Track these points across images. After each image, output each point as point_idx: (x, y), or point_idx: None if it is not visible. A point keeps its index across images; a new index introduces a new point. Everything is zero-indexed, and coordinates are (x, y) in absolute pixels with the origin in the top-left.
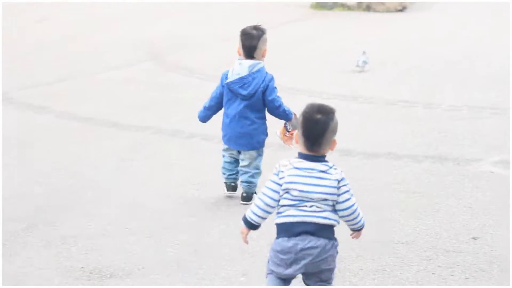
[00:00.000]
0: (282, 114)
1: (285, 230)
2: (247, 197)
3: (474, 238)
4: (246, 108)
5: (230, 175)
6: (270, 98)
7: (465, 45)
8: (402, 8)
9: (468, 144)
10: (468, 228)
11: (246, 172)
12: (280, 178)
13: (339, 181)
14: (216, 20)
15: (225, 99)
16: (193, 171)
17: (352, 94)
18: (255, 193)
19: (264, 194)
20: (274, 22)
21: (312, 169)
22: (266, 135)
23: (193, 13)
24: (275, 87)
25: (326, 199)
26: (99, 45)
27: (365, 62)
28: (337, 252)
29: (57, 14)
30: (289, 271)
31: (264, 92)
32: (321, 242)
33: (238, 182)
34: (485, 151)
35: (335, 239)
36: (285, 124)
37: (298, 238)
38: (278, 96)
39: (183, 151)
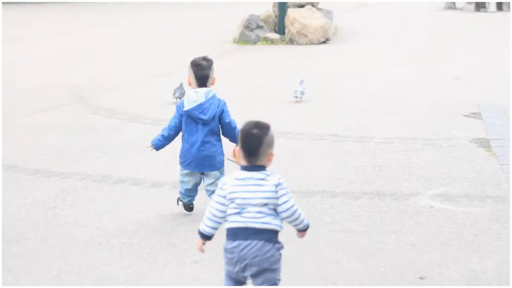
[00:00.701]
0: (235, 135)
1: (231, 234)
2: (191, 208)
3: (421, 278)
4: (207, 132)
5: (189, 200)
6: (227, 120)
7: (391, 75)
8: (325, 40)
9: (404, 178)
10: (414, 267)
11: (208, 191)
12: (224, 190)
13: (276, 186)
14: (141, 61)
15: (184, 127)
16: (124, 219)
17: (281, 129)
18: None
19: (212, 207)
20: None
21: (251, 178)
22: (223, 155)
23: (119, 56)
24: (228, 111)
25: (266, 204)
26: (22, 91)
27: (302, 93)
28: (280, 255)
29: None
30: (236, 269)
31: (220, 116)
32: (261, 243)
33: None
34: (422, 184)
35: (278, 242)
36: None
37: (240, 240)
38: (233, 119)
39: (112, 198)
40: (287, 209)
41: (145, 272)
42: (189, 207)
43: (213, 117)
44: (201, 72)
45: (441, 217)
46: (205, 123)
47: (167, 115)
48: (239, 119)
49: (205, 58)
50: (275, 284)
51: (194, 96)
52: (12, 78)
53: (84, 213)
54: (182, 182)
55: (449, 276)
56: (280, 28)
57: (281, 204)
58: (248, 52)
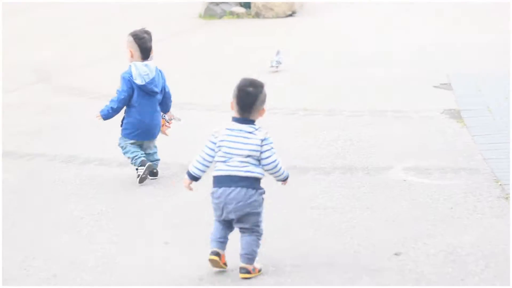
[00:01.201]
0: (170, 103)
1: (217, 181)
2: (156, 173)
3: (396, 254)
4: (157, 103)
5: (143, 155)
6: (167, 90)
7: (357, 47)
8: (292, 13)
9: (376, 152)
10: (388, 243)
11: (153, 154)
12: (215, 138)
13: (262, 140)
14: (108, 36)
15: (137, 100)
16: (91, 200)
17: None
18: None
19: (203, 151)
20: (165, 33)
21: (241, 130)
22: None
23: (84, 31)
24: None
25: (249, 155)
26: None
27: (278, 62)
28: (262, 199)
29: None
30: (223, 214)
31: (163, 86)
32: (244, 189)
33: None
34: (394, 158)
35: (259, 188)
36: (163, 116)
37: (225, 187)
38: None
39: (79, 179)
40: (270, 163)
41: (114, 255)
42: (153, 172)
43: (162, 89)
44: (146, 45)
45: (415, 191)
46: (156, 94)
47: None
48: (208, 97)
49: (145, 31)
50: (258, 226)
51: (146, 70)
52: None
53: (51, 195)
54: (129, 151)
55: (425, 251)
56: (245, 1)
57: (265, 158)
58: (214, 26)
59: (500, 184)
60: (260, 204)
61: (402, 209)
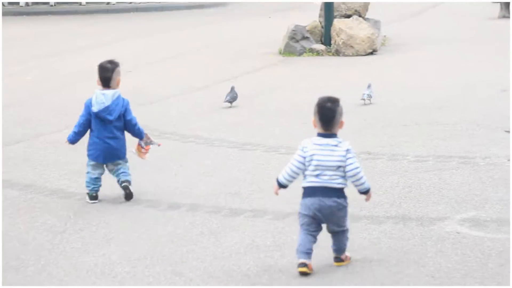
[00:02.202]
0: (137, 132)
1: (311, 191)
2: (129, 182)
3: None
4: (113, 129)
5: (94, 187)
6: (128, 118)
7: (435, 87)
8: (372, 51)
9: (434, 200)
10: None
11: (122, 172)
12: (305, 152)
13: (346, 151)
14: (179, 74)
15: (94, 125)
16: (132, 245)
17: None
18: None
19: (293, 164)
20: (244, 70)
21: (327, 144)
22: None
23: (154, 67)
24: (131, 109)
25: (339, 166)
26: (51, 106)
27: (369, 96)
28: (347, 204)
29: None
30: (314, 213)
31: (123, 114)
32: (339, 201)
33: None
34: (452, 207)
35: (345, 197)
36: (139, 142)
37: (320, 197)
38: (134, 117)
39: (124, 221)
40: (353, 169)
41: None
42: (94, 197)
43: (118, 117)
44: (104, 74)
45: (467, 245)
46: (111, 122)
47: (198, 132)
48: (289, 132)
49: (110, 61)
50: (346, 225)
51: (102, 98)
52: (41, 93)
53: (92, 238)
54: (88, 172)
55: None
56: (326, 39)
57: (348, 165)
58: (293, 63)
59: None
60: (346, 210)
61: (450, 264)
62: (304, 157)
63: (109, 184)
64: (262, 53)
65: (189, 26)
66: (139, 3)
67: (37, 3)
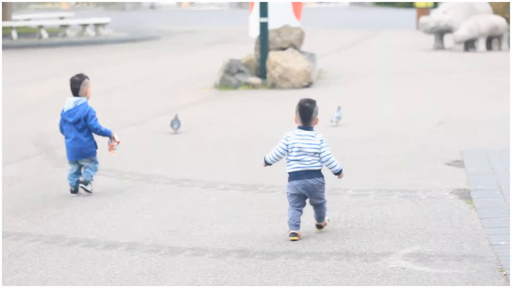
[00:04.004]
0: (100, 133)
1: (296, 175)
2: (85, 183)
3: None
4: (77, 131)
5: (71, 182)
6: (89, 123)
7: (372, 120)
8: (308, 84)
9: (377, 235)
10: None
11: (85, 172)
12: (288, 140)
13: (320, 141)
14: (112, 108)
15: (63, 127)
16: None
17: (251, 183)
18: (90, 182)
19: (277, 149)
20: (180, 104)
21: (306, 135)
22: (96, 147)
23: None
24: (94, 116)
25: (315, 152)
26: None
27: (339, 118)
28: (324, 182)
29: None
30: (300, 192)
31: (85, 119)
32: (319, 180)
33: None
34: (395, 242)
35: (323, 176)
36: (108, 140)
37: (305, 178)
38: (95, 122)
39: (61, 262)
40: (325, 156)
41: None
42: (72, 190)
43: (78, 120)
44: (73, 86)
45: (413, 281)
46: (72, 124)
47: (134, 168)
48: (211, 172)
49: (79, 75)
50: (324, 199)
51: (66, 104)
52: None
53: (28, 279)
54: (68, 169)
55: None
56: (261, 72)
57: (322, 152)
58: (229, 97)
59: (505, 274)
60: (324, 186)
61: None
62: (287, 145)
63: (45, 225)
64: (197, 87)
65: (123, 60)
66: (72, 37)
67: None
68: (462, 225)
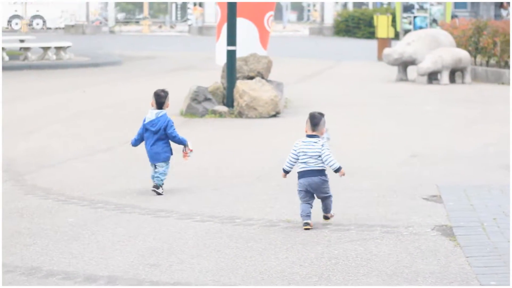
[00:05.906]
0: (177, 141)
1: (303, 174)
2: (157, 187)
3: None
4: (157, 139)
5: (152, 176)
6: (168, 131)
7: (341, 153)
8: (276, 113)
9: (363, 273)
10: None
11: (156, 177)
12: (295, 147)
13: (322, 146)
14: (80, 134)
15: (144, 134)
16: None
17: (228, 215)
18: (161, 185)
19: (289, 157)
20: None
21: (310, 141)
22: (171, 153)
23: (55, 128)
24: (172, 125)
25: (319, 155)
26: None
27: (327, 139)
28: (328, 179)
29: None
30: (306, 188)
31: (165, 128)
32: (322, 178)
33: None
34: (383, 280)
35: (326, 175)
36: (183, 148)
37: (310, 176)
38: (174, 130)
39: None
40: (325, 156)
41: None
42: (155, 186)
43: (159, 129)
44: (158, 100)
45: None
46: (154, 132)
47: (107, 197)
48: (185, 205)
49: (163, 90)
50: (329, 193)
51: (150, 115)
52: None
53: None
54: (151, 170)
55: None
56: (228, 100)
57: (322, 154)
58: (196, 125)
59: None
60: (328, 184)
61: None
62: (296, 151)
63: (20, 255)
64: None
65: (87, 85)
66: (33, 61)
67: None
68: (449, 264)
